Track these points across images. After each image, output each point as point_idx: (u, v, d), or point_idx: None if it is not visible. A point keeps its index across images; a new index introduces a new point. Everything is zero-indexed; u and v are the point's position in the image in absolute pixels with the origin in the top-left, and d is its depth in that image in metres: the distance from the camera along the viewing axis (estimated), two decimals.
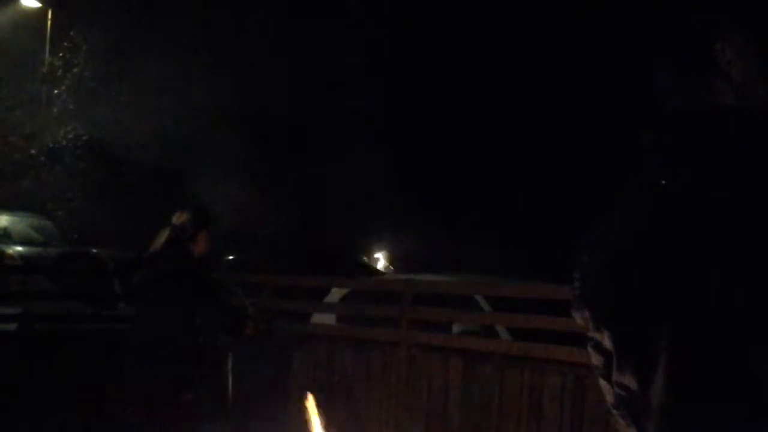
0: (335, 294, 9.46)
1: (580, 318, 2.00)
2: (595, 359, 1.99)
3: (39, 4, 27.06)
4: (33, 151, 26.16)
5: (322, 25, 25.94)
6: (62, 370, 8.03)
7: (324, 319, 9.19)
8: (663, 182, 1.79)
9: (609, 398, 1.97)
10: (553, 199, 23.62)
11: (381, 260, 30.77)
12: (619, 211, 1.91)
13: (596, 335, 1.94)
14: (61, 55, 26.81)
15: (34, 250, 16.36)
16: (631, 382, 1.82)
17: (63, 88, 26.70)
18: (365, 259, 29.62)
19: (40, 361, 8.06)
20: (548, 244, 21.25)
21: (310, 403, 5.65)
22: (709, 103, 1.84)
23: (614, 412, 1.95)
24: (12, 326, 8.99)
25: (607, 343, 1.89)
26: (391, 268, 28.20)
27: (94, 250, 16.12)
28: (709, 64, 1.85)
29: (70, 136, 26.43)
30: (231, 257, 16.85)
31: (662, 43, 1.94)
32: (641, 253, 1.79)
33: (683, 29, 1.92)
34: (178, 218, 6.23)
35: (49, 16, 26.98)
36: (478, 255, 21.17)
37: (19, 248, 16.24)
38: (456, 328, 7.81)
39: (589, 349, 2.01)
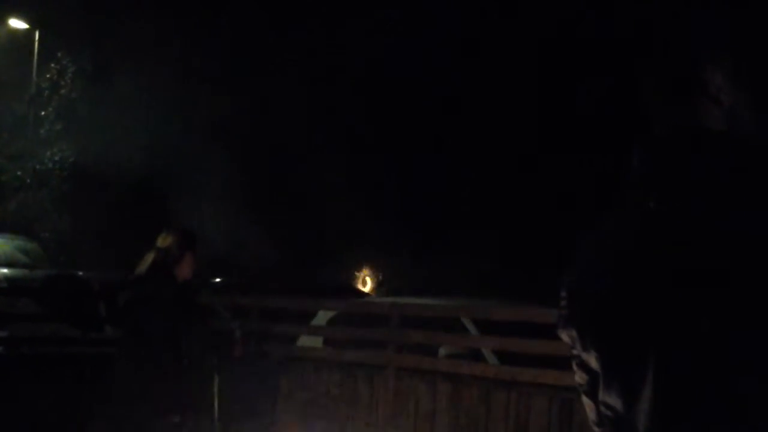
0: (322, 317, 9.44)
1: (566, 336, 2.01)
2: (580, 377, 2.00)
3: (26, 26, 27.09)
4: (19, 173, 26.11)
5: (316, 47, 26.02)
6: (48, 393, 7.99)
7: (311, 341, 9.17)
8: (651, 205, 1.81)
9: (592, 416, 1.98)
10: (540, 221, 23.61)
11: (368, 283, 30.72)
12: (607, 232, 1.92)
13: (583, 354, 1.95)
14: (48, 76, 26.82)
15: (20, 272, 16.29)
16: (616, 402, 1.82)
17: (50, 109, 26.69)
18: (354, 281, 29.63)
19: (27, 383, 8.01)
20: (535, 266, 21.26)
21: None
22: (697, 127, 1.85)
23: (597, 430, 1.96)
24: None
25: (594, 362, 1.90)
26: (376, 291, 28.16)
27: (80, 273, 16.06)
28: (698, 89, 1.87)
29: (57, 158, 26.40)
30: (217, 279, 16.82)
31: (652, 66, 1.95)
32: (629, 275, 1.80)
33: (674, 53, 1.93)
34: (164, 241, 6.22)
35: (37, 37, 27.01)
36: (468, 278, 21.16)
37: (5, 270, 16.18)
38: (443, 352, 7.80)
39: (574, 366, 2.02)
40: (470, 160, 26.32)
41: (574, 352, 1.99)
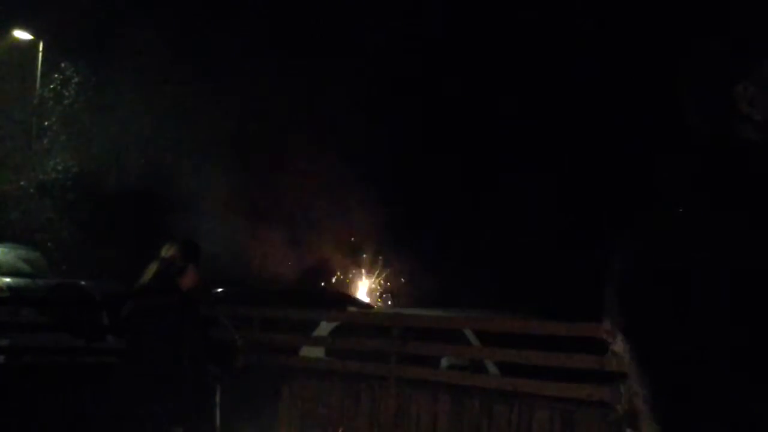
0: (324, 327, 9.45)
1: (605, 326, 2.05)
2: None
3: (30, 37, 27.18)
4: (22, 183, 26.17)
5: (320, 59, 26.02)
6: (50, 403, 7.99)
7: (313, 352, 9.17)
8: (680, 210, 1.83)
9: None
10: (548, 235, 23.52)
11: (372, 293, 30.70)
12: (634, 233, 1.95)
13: (614, 343, 1.98)
14: (51, 87, 26.90)
15: (22, 281, 16.35)
16: (644, 390, 1.85)
17: (53, 120, 26.76)
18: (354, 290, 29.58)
19: (28, 393, 8.02)
20: (542, 278, 21.24)
21: None
22: (731, 136, 1.87)
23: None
24: (0, 358, 8.97)
25: (620, 349, 1.93)
26: (380, 302, 28.12)
27: (83, 282, 16.07)
28: (730, 108, 1.89)
29: (60, 167, 26.45)
30: (220, 290, 16.81)
31: (688, 86, 1.98)
32: (649, 275, 1.83)
33: (706, 72, 1.95)
34: (167, 251, 6.23)
35: (41, 48, 27.09)
36: (471, 290, 21.11)
37: (8, 279, 16.24)
38: (445, 363, 7.81)
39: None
40: (481, 162, 26.20)
41: (608, 339, 2.03)
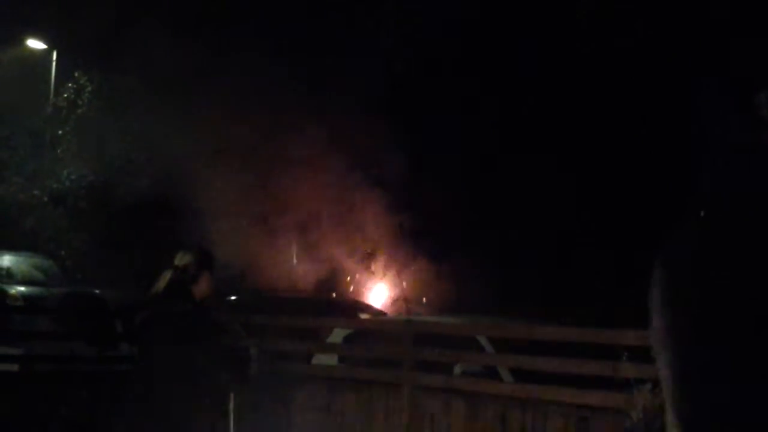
0: (337, 335, 9.45)
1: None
2: None
3: (44, 46, 27.34)
4: (36, 192, 26.27)
5: (326, 61, 25.97)
6: (64, 411, 8.01)
7: (326, 359, 9.17)
8: (704, 220, 1.84)
9: None
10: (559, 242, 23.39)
11: (385, 300, 30.66)
12: (669, 244, 1.96)
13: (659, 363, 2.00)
14: (65, 96, 27.01)
15: (36, 290, 16.39)
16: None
17: (67, 129, 26.87)
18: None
19: (42, 401, 8.04)
20: (555, 284, 21.14)
21: None
22: (747, 144, 1.87)
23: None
24: (14, 366, 9.00)
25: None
26: (393, 309, 28.09)
27: (97, 291, 16.12)
28: (751, 119, 1.88)
29: (73, 176, 26.54)
30: (233, 298, 16.84)
31: (707, 100, 1.99)
32: (680, 285, 1.84)
33: (725, 84, 1.95)
34: (181, 259, 6.23)
35: (54, 57, 27.23)
36: (487, 295, 21.02)
37: (22, 288, 16.29)
38: (458, 370, 7.79)
39: None
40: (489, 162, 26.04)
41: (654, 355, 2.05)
